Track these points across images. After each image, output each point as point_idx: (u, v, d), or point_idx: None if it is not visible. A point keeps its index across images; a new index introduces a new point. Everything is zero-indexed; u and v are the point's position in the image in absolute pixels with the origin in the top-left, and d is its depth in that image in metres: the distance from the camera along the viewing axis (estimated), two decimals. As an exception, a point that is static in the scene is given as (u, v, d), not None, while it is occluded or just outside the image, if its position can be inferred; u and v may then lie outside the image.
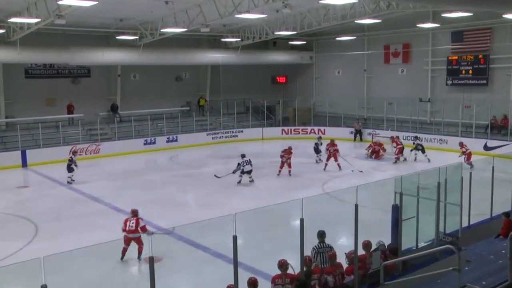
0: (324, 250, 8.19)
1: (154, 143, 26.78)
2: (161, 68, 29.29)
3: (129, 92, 29.06)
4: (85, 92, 27.47)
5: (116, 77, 28.69)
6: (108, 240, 11.83)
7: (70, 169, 18.79)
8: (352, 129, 28.54)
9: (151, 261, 4.30)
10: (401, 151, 21.92)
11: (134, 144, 26.05)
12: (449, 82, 26.82)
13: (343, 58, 32.21)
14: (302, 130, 30.46)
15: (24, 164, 22.69)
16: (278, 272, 7.24)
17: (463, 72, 26.14)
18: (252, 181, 18.19)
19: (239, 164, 18.17)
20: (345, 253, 7.81)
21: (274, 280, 7.20)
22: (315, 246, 8.30)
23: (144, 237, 10.58)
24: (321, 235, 8.45)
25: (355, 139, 28.21)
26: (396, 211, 8.10)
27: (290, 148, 19.74)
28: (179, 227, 12.52)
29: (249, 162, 18.09)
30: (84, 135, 25.68)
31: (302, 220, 7.18)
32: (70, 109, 26.82)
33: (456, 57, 26.33)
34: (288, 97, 34.06)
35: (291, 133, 30.45)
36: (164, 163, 23.81)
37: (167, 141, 27.26)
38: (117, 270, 10.50)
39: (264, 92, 33.16)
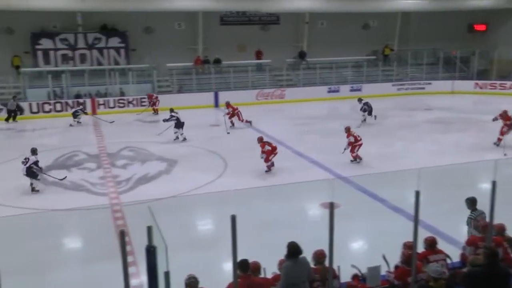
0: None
1: (338, 91, 26.77)
2: (349, 16, 28.66)
3: (315, 39, 29.18)
4: (273, 39, 28.36)
5: (304, 25, 28.99)
6: (288, 182, 12.46)
7: (31, 173, 12.17)
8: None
9: (331, 206, 4.37)
10: None
11: (318, 91, 26.41)
12: None
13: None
14: (500, 85, 27.49)
15: (216, 104, 24.76)
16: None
17: None
18: (184, 138, 17.37)
19: (172, 116, 17.42)
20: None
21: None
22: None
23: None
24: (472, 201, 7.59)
25: None
26: None
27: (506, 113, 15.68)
28: (357, 176, 12.52)
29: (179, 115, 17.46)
30: (270, 80, 26.86)
31: (494, 183, 6.55)
32: (258, 55, 28.10)
33: None
34: (487, 47, 30.73)
35: (486, 88, 27.70)
36: (346, 112, 23.72)
37: (351, 90, 26.99)
38: (297, 210, 10.94)
39: (458, 41, 30.41)
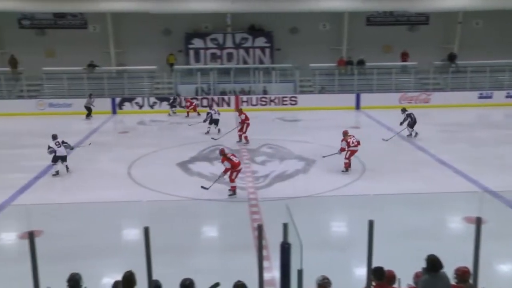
0: None
1: (491, 97, 24.72)
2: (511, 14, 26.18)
3: (468, 40, 27.19)
4: (421, 40, 27.11)
5: (456, 25, 27.23)
6: (429, 191, 11.81)
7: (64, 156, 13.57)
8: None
9: (478, 221, 4.04)
10: None
11: (467, 97, 24.64)
12: None
13: None
14: None
15: (357, 106, 24.36)
16: None
17: None
18: (219, 131, 18.39)
19: (208, 113, 18.75)
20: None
21: None
22: None
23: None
24: None
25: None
26: None
27: None
28: (508, 192, 11.42)
29: (216, 112, 18.74)
30: (415, 84, 25.70)
31: None
32: (404, 57, 27.02)
33: None
34: None
35: None
36: (500, 120, 21.82)
37: (507, 97, 24.76)
38: (438, 222, 10.33)
39: None
